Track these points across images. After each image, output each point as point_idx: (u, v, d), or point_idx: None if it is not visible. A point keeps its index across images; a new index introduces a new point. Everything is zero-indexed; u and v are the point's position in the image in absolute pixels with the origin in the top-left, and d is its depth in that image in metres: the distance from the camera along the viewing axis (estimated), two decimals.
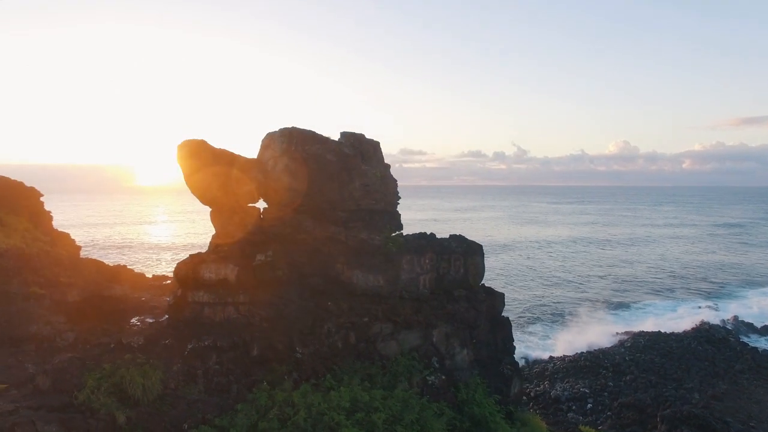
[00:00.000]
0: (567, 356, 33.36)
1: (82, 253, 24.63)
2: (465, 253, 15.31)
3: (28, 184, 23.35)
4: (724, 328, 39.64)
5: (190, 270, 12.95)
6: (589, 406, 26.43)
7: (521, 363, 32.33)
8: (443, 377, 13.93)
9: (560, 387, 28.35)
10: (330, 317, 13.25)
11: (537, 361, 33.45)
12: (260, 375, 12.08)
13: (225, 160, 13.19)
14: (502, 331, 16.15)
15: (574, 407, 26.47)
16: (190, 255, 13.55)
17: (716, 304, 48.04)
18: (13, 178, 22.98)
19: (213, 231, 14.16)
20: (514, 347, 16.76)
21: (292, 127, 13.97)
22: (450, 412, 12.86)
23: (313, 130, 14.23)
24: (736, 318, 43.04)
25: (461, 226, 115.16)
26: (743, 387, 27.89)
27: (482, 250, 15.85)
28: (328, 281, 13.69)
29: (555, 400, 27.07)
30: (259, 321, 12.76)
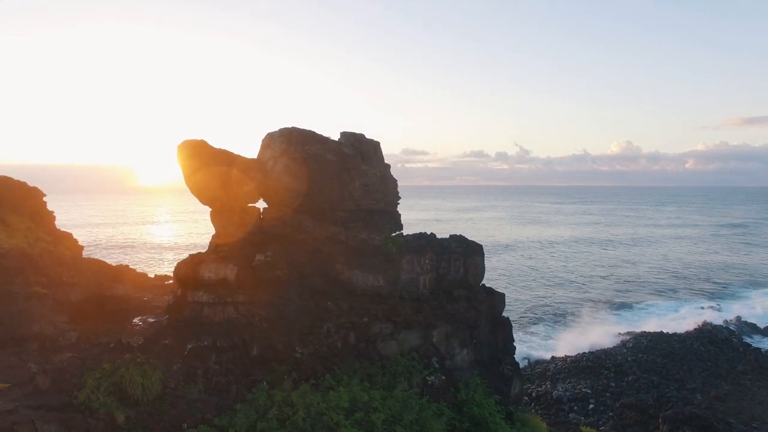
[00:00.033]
0: (569, 356, 33.30)
1: (85, 253, 24.71)
2: (465, 253, 15.28)
3: (30, 184, 23.44)
4: (727, 328, 39.51)
5: (189, 270, 12.96)
6: (591, 406, 26.38)
7: (523, 363, 32.30)
8: (443, 377, 13.91)
9: (562, 387, 28.30)
10: (330, 317, 13.24)
11: (539, 362, 33.41)
12: (260, 375, 12.08)
13: (225, 160, 13.19)
14: (503, 331, 16.12)
15: (575, 408, 26.42)
16: (189, 255, 13.57)
17: (719, 305, 47.89)
18: (15, 178, 23.07)
19: (214, 231, 14.17)
20: (515, 347, 16.72)
21: (292, 127, 13.97)
22: (450, 412, 12.84)
23: (313, 130, 14.24)
24: (739, 318, 42.90)
25: (463, 226, 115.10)
26: (746, 388, 27.79)
27: (482, 250, 15.82)
28: (328, 281, 13.69)
29: (557, 401, 27.02)
30: (258, 321, 12.76)
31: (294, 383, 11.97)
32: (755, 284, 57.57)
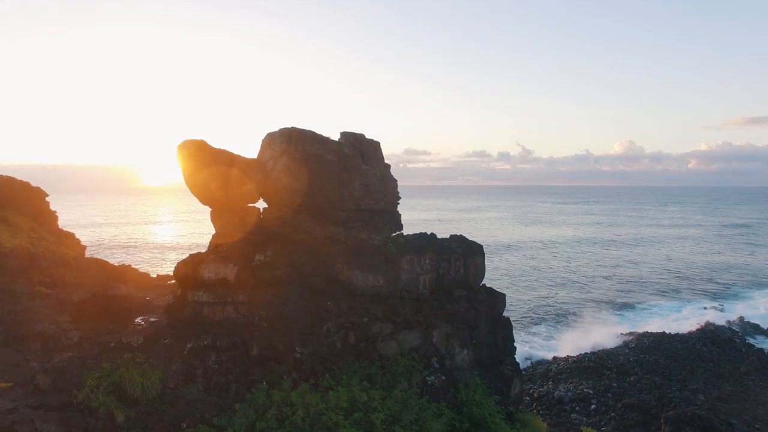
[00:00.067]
0: (571, 357, 33.24)
1: (88, 253, 24.79)
2: (465, 254, 15.25)
3: (33, 184, 23.53)
4: (730, 329, 39.37)
5: (189, 270, 12.97)
6: (593, 407, 26.31)
7: (525, 363, 32.26)
8: (443, 377, 13.88)
9: (564, 388, 28.23)
10: (329, 317, 13.23)
11: (541, 362, 33.35)
12: (259, 375, 12.08)
13: (225, 160, 13.20)
14: (503, 331, 16.08)
15: (577, 408, 26.36)
16: (189, 255, 13.59)
17: (722, 305, 47.72)
18: (18, 178, 23.17)
19: (214, 231, 14.18)
20: (515, 348, 16.68)
21: (292, 127, 13.97)
22: (449, 412, 12.81)
23: (313, 130, 14.24)
24: (741, 319, 42.73)
25: (466, 226, 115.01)
26: (749, 389, 27.67)
27: (482, 250, 15.79)
28: (327, 281, 13.68)
29: (558, 401, 26.96)
30: (258, 321, 12.76)
31: (294, 383, 11.96)
32: (758, 285, 57.33)
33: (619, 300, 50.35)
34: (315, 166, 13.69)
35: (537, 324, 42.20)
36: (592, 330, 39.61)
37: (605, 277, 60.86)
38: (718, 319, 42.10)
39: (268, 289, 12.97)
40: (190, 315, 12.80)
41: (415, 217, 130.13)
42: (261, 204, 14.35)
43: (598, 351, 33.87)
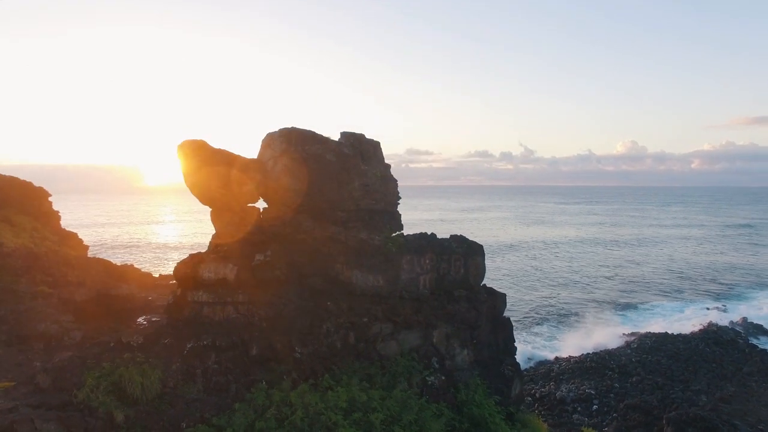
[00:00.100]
0: (573, 357, 33.16)
1: (91, 253, 24.87)
2: (465, 254, 15.23)
3: (36, 184, 23.64)
4: (733, 329, 39.20)
5: (189, 269, 12.99)
6: (595, 407, 26.24)
7: (527, 364, 32.20)
8: (443, 378, 13.86)
9: (566, 388, 28.16)
10: (329, 317, 13.22)
11: (542, 362, 33.28)
12: (259, 375, 12.08)
13: (225, 160, 13.21)
14: (503, 331, 16.04)
15: (579, 408, 26.29)
16: (189, 254, 13.60)
17: (725, 306, 47.53)
18: (21, 178, 23.28)
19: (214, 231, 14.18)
20: (516, 348, 16.63)
21: (292, 127, 13.97)
22: (449, 412, 12.78)
23: (313, 130, 14.23)
24: (744, 319, 42.54)
25: (468, 226, 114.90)
26: (752, 389, 27.53)
27: (483, 250, 15.76)
28: (327, 281, 13.68)
29: (560, 401, 26.89)
30: (258, 321, 12.76)
31: (293, 383, 11.96)
32: (762, 285, 57.08)
33: (622, 300, 50.22)
34: (315, 166, 13.69)
35: (539, 324, 42.11)
36: (594, 330, 39.51)
37: (608, 278, 60.71)
38: (721, 319, 41.92)
39: (268, 289, 12.97)
40: (189, 315, 12.81)
41: (418, 217, 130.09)
42: (261, 204, 14.36)
43: (601, 351, 33.77)
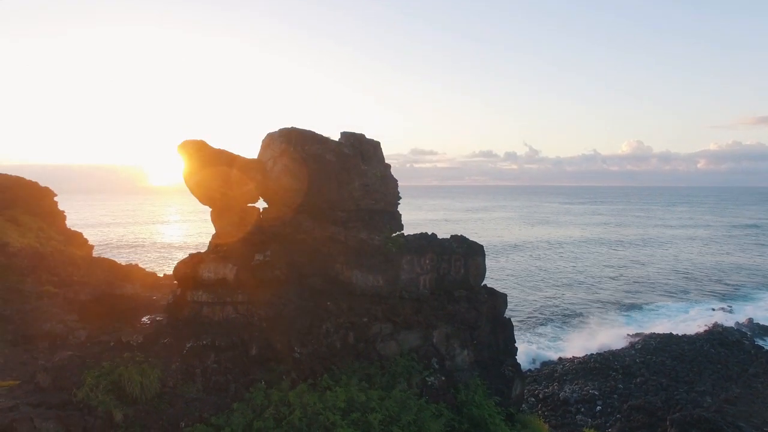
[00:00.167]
0: (577, 358, 33.01)
1: (96, 253, 24.98)
2: (466, 254, 15.17)
3: (42, 184, 23.76)
4: (738, 330, 38.92)
5: (189, 269, 13.01)
6: (598, 408, 26.11)
7: (531, 364, 32.08)
8: (443, 378, 13.81)
9: (569, 389, 28.03)
10: (329, 317, 13.21)
11: (546, 363, 33.13)
12: (258, 374, 12.08)
13: (225, 160, 13.22)
14: (504, 332, 15.97)
15: (582, 409, 26.16)
16: (189, 254, 13.63)
17: (730, 306, 47.21)
18: (27, 178, 23.41)
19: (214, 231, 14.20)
20: (516, 348, 16.56)
21: (292, 128, 13.97)
22: (449, 413, 12.74)
23: (312, 130, 14.23)
24: (750, 320, 42.22)
25: (472, 226, 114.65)
26: (757, 391, 27.31)
27: (483, 250, 15.70)
28: (327, 281, 13.66)
29: (564, 402, 26.78)
30: (257, 321, 12.77)
31: (292, 383, 11.96)
32: None
33: (626, 301, 49.97)
34: (315, 166, 13.68)
35: (543, 324, 41.95)
36: (598, 331, 39.33)
37: (612, 278, 60.43)
38: (727, 320, 41.63)
39: (268, 289, 12.97)
40: (189, 314, 12.83)
41: (422, 217, 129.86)
42: (261, 204, 14.37)
43: (605, 352, 33.60)
